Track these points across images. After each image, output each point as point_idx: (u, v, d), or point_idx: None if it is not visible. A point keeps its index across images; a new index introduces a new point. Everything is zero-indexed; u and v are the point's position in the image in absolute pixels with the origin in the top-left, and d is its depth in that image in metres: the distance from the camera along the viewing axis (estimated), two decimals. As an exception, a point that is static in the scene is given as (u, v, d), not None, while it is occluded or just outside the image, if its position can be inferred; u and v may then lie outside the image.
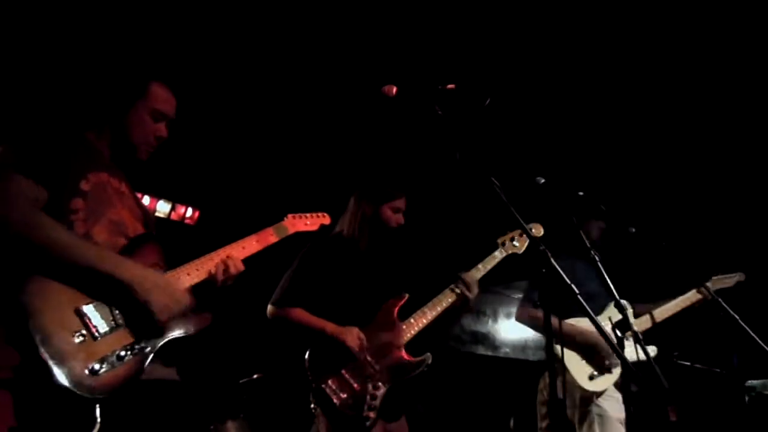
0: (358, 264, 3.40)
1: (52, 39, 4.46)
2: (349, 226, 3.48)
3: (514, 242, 3.53)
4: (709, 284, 4.07)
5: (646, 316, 4.10)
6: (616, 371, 3.85)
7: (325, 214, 3.06)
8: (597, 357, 3.86)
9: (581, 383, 3.81)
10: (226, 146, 5.95)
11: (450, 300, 3.38)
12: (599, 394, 3.83)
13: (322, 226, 3.04)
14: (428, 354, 3.28)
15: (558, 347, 3.83)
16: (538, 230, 3.60)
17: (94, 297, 2.08)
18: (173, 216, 6.23)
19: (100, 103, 2.45)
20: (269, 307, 3.36)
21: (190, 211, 6.36)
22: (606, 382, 3.84)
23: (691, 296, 4.10)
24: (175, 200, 6.25)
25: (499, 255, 3.51)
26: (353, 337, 3.17)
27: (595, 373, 3.85)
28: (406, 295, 3.41)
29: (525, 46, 4.90)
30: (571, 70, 5.14)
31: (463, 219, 6.22)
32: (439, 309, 3.37)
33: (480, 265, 3.48)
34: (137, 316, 2.15)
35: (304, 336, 3.24)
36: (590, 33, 4.78)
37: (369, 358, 3.19)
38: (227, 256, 2.50)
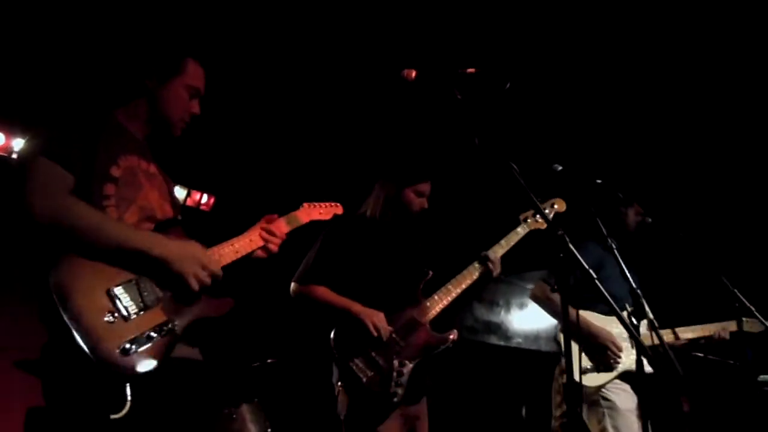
0: (381, 243, 3.41)
1: (83, 17, 4.46)
2: (372, 207, 3.50)
3: (537, 217, 3.50)
4: (732, 323, 4.01)
5: (669, 331, 4.06)
6: (614, 372, 3.77)
7: (338, 204, 3.07)
8: (600, 353, 3.78)
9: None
10: (242, 132, 5.96)
11: (474, 276, 3.38)
12: (600, 387, 3.73)
13: (335, 216, 3.05)
14: (454, 330, 3.29)
15: (561, 336, 3.83)
16: (561, 206, 3.55)
17: (125, 276, 2.12)
18: (188, 202, 6.26)
19: (137, 78, 2.45)
20: (292, 285, 3.38)
21: (205, 198, 6.39)
22: (597, 379, 3.74)
23: (713, 327, 4.03)
24: (190, 186, 6.28)
25: (521, 231, 3.50)
26: (376, 321, 3.17)
27: (588, 367, 3.76)
28: (430, 272, 3.41)
29: (546, 31, 4.87)
30: (592, 56, 5.10)
31: (486, 196, 6.18)
32: (464, 285, 3.37)
33: (503, 241, 3.47)
34: (165, 297, 2.19)
35: (327, 315, 3.26)
36: (612, 17, 4.74)
37: (394, 336, 3.20)
38: (268, 226, 2.60)
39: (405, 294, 3.35)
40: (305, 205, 2.89)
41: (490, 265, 3.37)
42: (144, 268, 2.14)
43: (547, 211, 3.58)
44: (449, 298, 3.35)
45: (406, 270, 3.41)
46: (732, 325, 3.99)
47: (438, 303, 3.33)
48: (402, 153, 3.70)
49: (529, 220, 3.51)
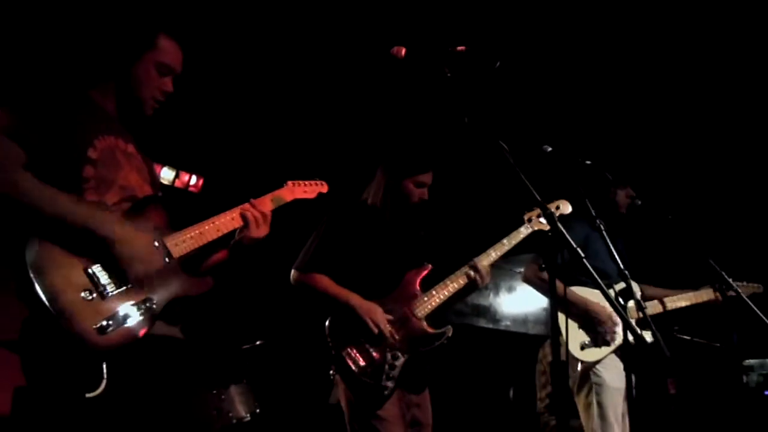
0: (382, 233, 3.38)
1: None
2: (373, 196, 3.45)
3: (541, 219, 3.43)
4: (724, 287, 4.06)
5: (656, 302, 4.10)
6: (612, 345, 3.83)
7: (323, 182, 3.01)
8: (598, 326, 3.86)
9: (572, 352, 3.81)
10: (232, 114, 5.92)
11: (461, 282, 3.35)
12: (596, 363, 3.81)
13: (320, 195, 2.98)
14: (449, 326, 3.28)
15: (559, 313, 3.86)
16: (565, 207, 3.53)
17: (91, 255, 2.09)
18: (177, 183, 6.21)
19: (106, 56, 2.40)
20: (293, 272, 3.35)
21: (194, 179, 6.34)
22: (597, 354, 3.82)
23: (704, 294, 4.10)
24: (179, 167, 6.24)
25: (524, 231, 3.44)
26: (374, 318, 3.16)
27: (587, 342, 3.84)
28: (429, 266, 3.40)
29: (536, 10, 4.85)
30: (583, 36, 5.10)
31: (490, 190, 6.18)
32: (456, 286, 3.35)
33: (505, 240, 3.43)
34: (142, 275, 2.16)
35: (326, 304, 3.24)
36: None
37: (389, 328, 3.19)
38: (250, 206, 2.52)
39: (403, 286, 3.34)
40: (289, 183, 2.83)
41: (476, 276, 3.34)
42: (91, 248, 2.08)
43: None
44: (446, 293, 3.33)
45: (405, 262, 3.39)
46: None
47: (435, 298, 3.32)
48: (403, 143, 3.65)
49: (533, 220, 3.45)
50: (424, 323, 3.28)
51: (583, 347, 3.83)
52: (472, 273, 3.34)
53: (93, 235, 2.08)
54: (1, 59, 4.48)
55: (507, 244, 3.44)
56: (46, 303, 1.93)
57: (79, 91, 2.37)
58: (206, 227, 2.42)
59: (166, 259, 2.26)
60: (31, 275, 1.95)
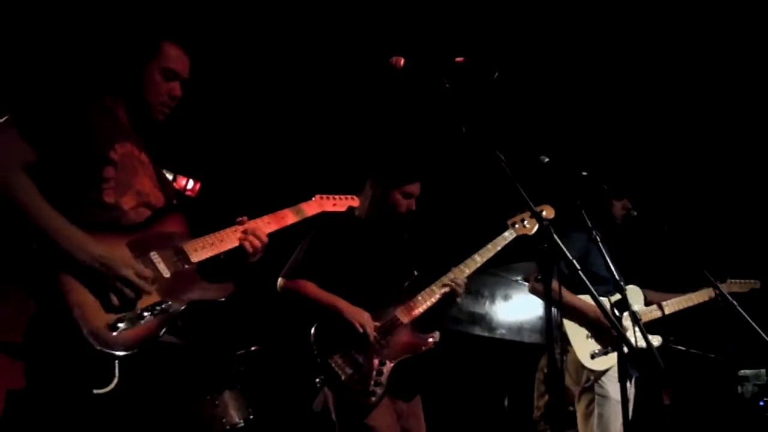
0: (368, 242, 3.39)
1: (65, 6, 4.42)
2: (361, 207, 3.43)
3: (525, 223, 3.50)
4: (723, 285, 4.07)
5: (655, 306, 4.11)
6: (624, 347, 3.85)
7: (355, 197, 3.00)
8: (605, 335, 3.85)
9: (583, 361, 3.80)
10: (229, 118, 5.93)
11: (446, 289, 3.36)
12: (602, 373, 3.81)
13: (350, 209, 2.98)
14: (436, 332, 3.30)
15: (562, 321, 3.87)
16: (549, 212, 3.55)
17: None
18: (174, 187, 6.20)
19: (112, 64, 2.43)
20: (280, 280, 3.36)
21: (191, 183, 6.33)
22: (607, 362, 3.81)
23: (704, 294, 4.12)
24: (176, 171, 6.23)
25: (508, 236, 3.49)
26: (362, 321, 3.16)
27: (597, 351, 3.83)
28: (415, 273, 3.41)
29: (535, 21, 4.88)
30: (582, 48, 5.12)
31: (475, 197, 6.20)
32: (437, 296, 3.34)
33: (489, 245, 3.46)
34: (163, 278, 2.18)
35: (313, 310, 3.24)
36: (598, 9, 4.76)
37: (376, 334, 3.19)
38: (250, 229, 2.48)
39: (390, 293, 3.35)
40: (317, 197, 2.82)
41: (456, 288, 3.34)
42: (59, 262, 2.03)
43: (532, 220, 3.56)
44: (433, 300, 3.33)
45: (392, 269, 3.41)
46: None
47: (421, 304, 3.32)
48: (390, 153, 3.66)
49: (516, 225, 3.51)
50: (411, 329, 3.29)
51: (593, 356, 3.83)
52: (451, 286, 3.34)
53: (67, 255, 2.02)
54: (18, 65, 4.50)
55: (492, 248, 3.47)
56: (64, 298, 1.95)
57: (96, 97, 2.40)
58: (227, 235, 2.44)
59: (185, 265, 2.28)
60: (52, 269, 1.97)
